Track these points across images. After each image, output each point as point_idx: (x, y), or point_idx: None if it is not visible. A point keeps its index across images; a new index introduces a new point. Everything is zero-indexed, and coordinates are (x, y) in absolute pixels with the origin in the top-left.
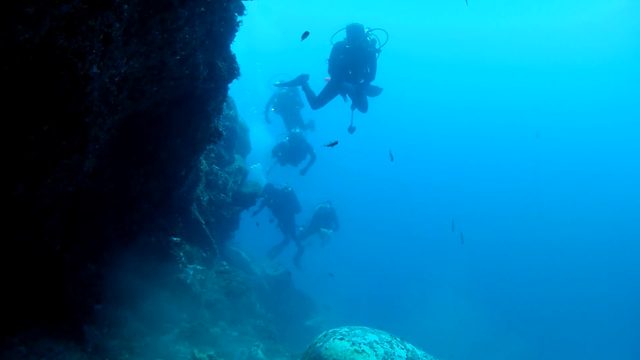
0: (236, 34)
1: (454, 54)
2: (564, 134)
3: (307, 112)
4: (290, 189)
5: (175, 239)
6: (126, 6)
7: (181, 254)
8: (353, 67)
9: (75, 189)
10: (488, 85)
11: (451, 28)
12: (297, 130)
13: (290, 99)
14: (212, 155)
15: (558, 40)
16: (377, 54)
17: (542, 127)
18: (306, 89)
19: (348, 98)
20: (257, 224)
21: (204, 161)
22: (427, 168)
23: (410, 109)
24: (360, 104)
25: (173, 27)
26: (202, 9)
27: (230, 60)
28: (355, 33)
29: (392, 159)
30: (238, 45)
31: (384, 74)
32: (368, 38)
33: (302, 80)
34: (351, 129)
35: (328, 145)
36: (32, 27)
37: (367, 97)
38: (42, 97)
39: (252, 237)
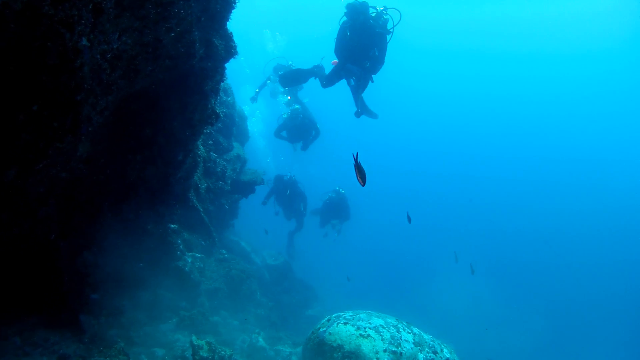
0: (233, 11)
1: (460, 44)
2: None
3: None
4: (294, 176)
5: (173, 226)
6: None
7: (179, 241)
8: (360, 48)
9: (69, 175)
10: (495, 76)
11: (454, 18)
12: (297, 107)
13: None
14: (210, 142)
15: (560, 30)
16: (388, 36)
17: (549, 117)
18: (319, 74)
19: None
20: (267, 232)
21: (201, 147)
22: (436, 156)
23: (413, 100)
24: (361, 83)
25: (167, 1)
26: None
27: (227, 38)
28: (355, 11)
29: (409, 221)
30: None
31: (391, 65)
32: (382, 17)
33: (316, 72)
34: (358, 114)
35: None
36: None
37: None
38: (30, 73)
39: (253, 228)
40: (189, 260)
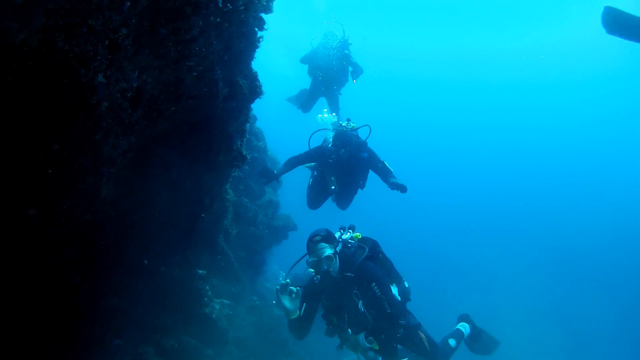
0: (257, 50)
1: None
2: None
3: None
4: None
5: (200, 271)
6: (130, 8)
7: (207, 287)
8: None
9: (93, 217)
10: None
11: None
12: (347, 124)
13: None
14: (241, 187)
15: (559, 55)
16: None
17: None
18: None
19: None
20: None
21: (230, 191)
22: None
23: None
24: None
25: (187, 38)
26: (218, 20)
27: (252, 78)
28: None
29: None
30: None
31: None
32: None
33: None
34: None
35: None
36: (25, 23)
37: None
38: (48, 111)
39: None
40: (217, 307)
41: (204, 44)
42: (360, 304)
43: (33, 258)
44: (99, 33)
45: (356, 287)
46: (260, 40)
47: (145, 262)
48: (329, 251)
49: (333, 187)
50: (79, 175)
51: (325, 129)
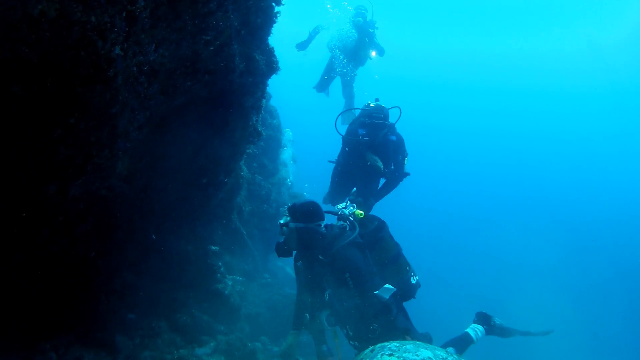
0: (274, 25)
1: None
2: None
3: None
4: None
5: (214, 247)
6: None
7: (220, 263)
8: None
9: (109, 192)
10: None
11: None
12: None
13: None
14: (255, 164)
15: (565, 66)
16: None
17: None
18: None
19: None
20: None
21: (245, 168)
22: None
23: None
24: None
25: (204, 11)
26: None
27: (269, 53)
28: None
29: None
30: None
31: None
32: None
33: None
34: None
35: None
36: None
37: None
38: (65, 84)
39: None
40: (230, 283)
41: (222, 17)
42: (327, 293)
43: (50, 233)
44: (117, 4)
45: (329, 273)
46: (278, 15)
47: (159, 238)
48: (281, 220)
49: (380, 165)
50: (95, 149)
51: (351, 109)
